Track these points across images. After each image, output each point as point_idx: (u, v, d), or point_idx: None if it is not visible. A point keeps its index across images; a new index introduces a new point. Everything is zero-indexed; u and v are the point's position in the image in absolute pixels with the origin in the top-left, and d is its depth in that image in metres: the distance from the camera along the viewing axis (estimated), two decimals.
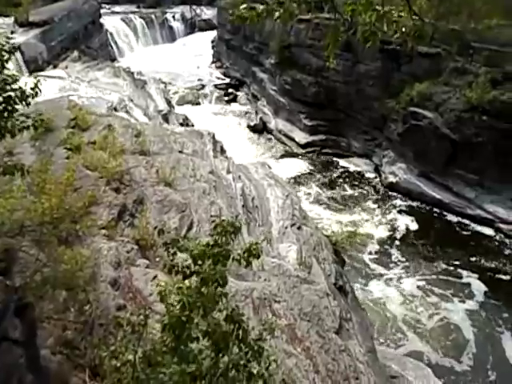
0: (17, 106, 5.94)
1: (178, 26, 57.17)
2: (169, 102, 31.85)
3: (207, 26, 56.52)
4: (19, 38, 30.04)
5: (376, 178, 30.10)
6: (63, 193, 8.36)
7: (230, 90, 41.93)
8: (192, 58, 48.73)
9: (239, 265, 4.65)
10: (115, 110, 24.82)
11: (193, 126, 27.86)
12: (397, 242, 24.50)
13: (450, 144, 25.96)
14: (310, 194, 28.66)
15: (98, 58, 39.54)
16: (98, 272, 8.02)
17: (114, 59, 45.50)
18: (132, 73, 34.08)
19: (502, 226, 24.64)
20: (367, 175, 30.55)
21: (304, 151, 32.92)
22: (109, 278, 8.12)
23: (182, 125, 27.00)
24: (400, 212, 26.96)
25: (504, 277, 22.10)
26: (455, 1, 27.14)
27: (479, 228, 25.09)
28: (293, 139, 33.96)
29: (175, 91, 40.49)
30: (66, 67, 33.93)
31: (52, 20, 36.78)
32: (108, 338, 6.48)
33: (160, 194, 11.74)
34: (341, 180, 30.20)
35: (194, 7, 56.17)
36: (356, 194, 28.69)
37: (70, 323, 6.69)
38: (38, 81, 6.05)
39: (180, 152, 14.74)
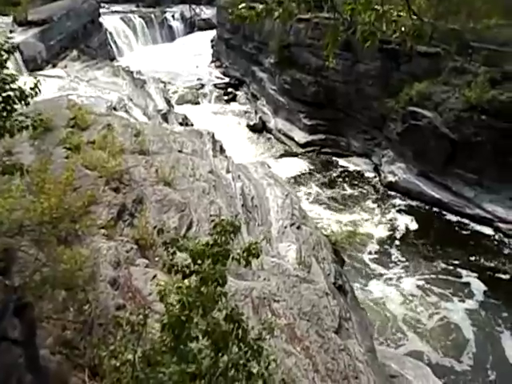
0: (16, 106, 5.92)
1: (177, 25, 57.13)
2: (168, 102, 31.86)
3: (207, 25, 56.47)
4: (18, 37, 30.04)
5: (375, 177, 30.10)
6: (62, 192, 8.33)
7: (230, 90, 41.88)
8: (191, 57, 48.67)
9: (239, 264, 4.65)
10: (114, 109, 24.81)
11: (192, 125, 27.86)
12: (396, 242, 24.49)
13: (450, 143, 25.98)
14: (309, 193, 28.64)
15: (98, 57, 39.50)
16: (98, 272, 8.01)
17: (113, 58, 45.45)
18: (131, 72, 34.09)
19: (501, 225, 24.65)
20: (367, 175, 30.54)
21: (303, 151, 32.88)
22: (108, 277, 8.11)
23: (181, 124, 27.03)
24: (399, 211, 26.96)
25: (503, 276, 22.11)
26: (454, 0, 27.13)
27: (478, 227, 25.08)
28: (292, 139, 33.93)
29: (174, 91, 40.44)
30: (65, 66, 33.90)
31: (51, 19, 36.67)
32: (107, 337, 6.47)
33: (159, 194, 11.74)
34: (340, 179, 30.19)
35: (194, 6, 56.04)
36: (355, 194, 28.68)
37: (69, 323, 6.68)
38: (38, 81, 6.03)
39: (179, 151, 14.75)
